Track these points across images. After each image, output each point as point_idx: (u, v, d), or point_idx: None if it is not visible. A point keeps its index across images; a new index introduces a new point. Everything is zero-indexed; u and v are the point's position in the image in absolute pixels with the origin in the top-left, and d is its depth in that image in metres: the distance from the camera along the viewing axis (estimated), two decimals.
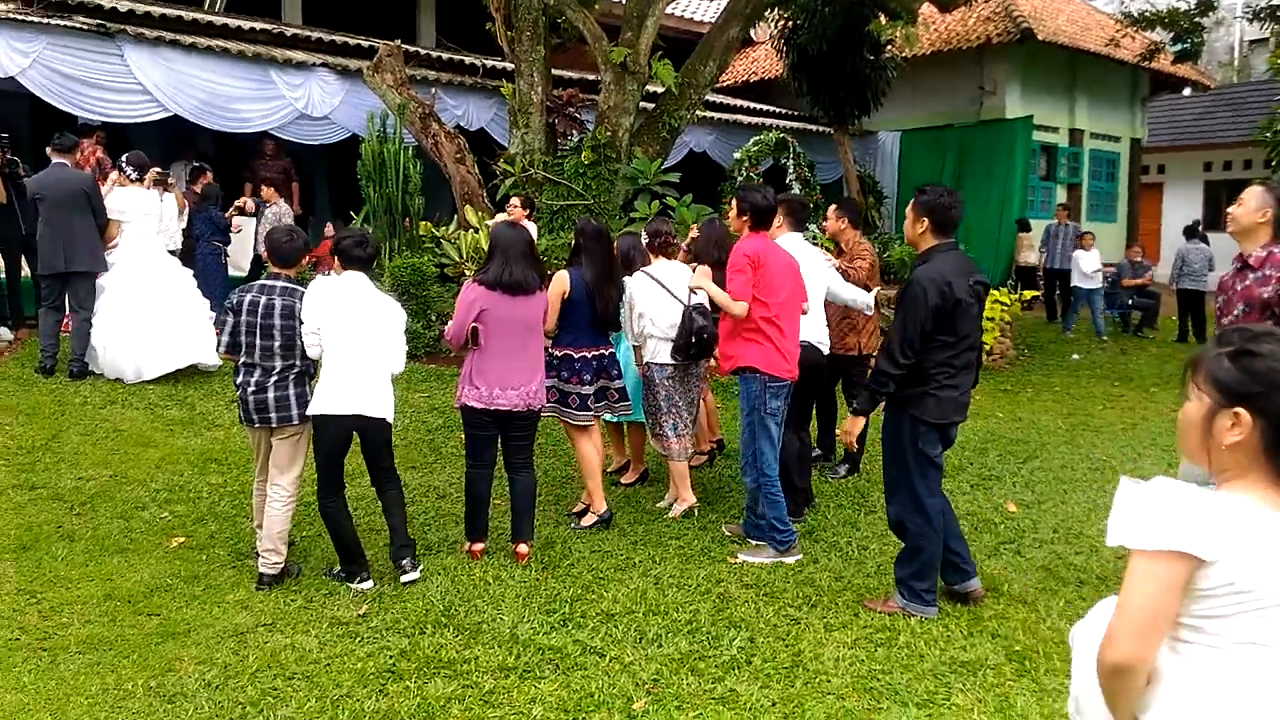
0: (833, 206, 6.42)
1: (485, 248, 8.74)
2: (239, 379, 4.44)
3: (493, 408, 4.64)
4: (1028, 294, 12.71)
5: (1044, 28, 16.25)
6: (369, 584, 4.39)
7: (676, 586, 4.39)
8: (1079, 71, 18.05)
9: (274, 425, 4.40)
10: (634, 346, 5.61)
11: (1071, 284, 13.77)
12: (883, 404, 4.21)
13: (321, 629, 3.97)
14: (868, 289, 5.94)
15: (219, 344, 4.58)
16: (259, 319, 4.36)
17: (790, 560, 4.72)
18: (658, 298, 5.34)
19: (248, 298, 4.41)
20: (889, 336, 4.06)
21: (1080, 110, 18.46)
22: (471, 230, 9.71)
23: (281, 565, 4.44)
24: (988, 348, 10.93)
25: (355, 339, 4.35)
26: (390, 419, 4.47)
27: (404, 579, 4.40)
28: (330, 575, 4.49)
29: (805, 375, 5.21)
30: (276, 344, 4.36)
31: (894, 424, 4.17)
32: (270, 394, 4.36)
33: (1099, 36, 17.59)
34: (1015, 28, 15.85)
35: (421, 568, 4.48)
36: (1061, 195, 18.25)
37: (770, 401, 4.74)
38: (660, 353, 5.36)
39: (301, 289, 4.49)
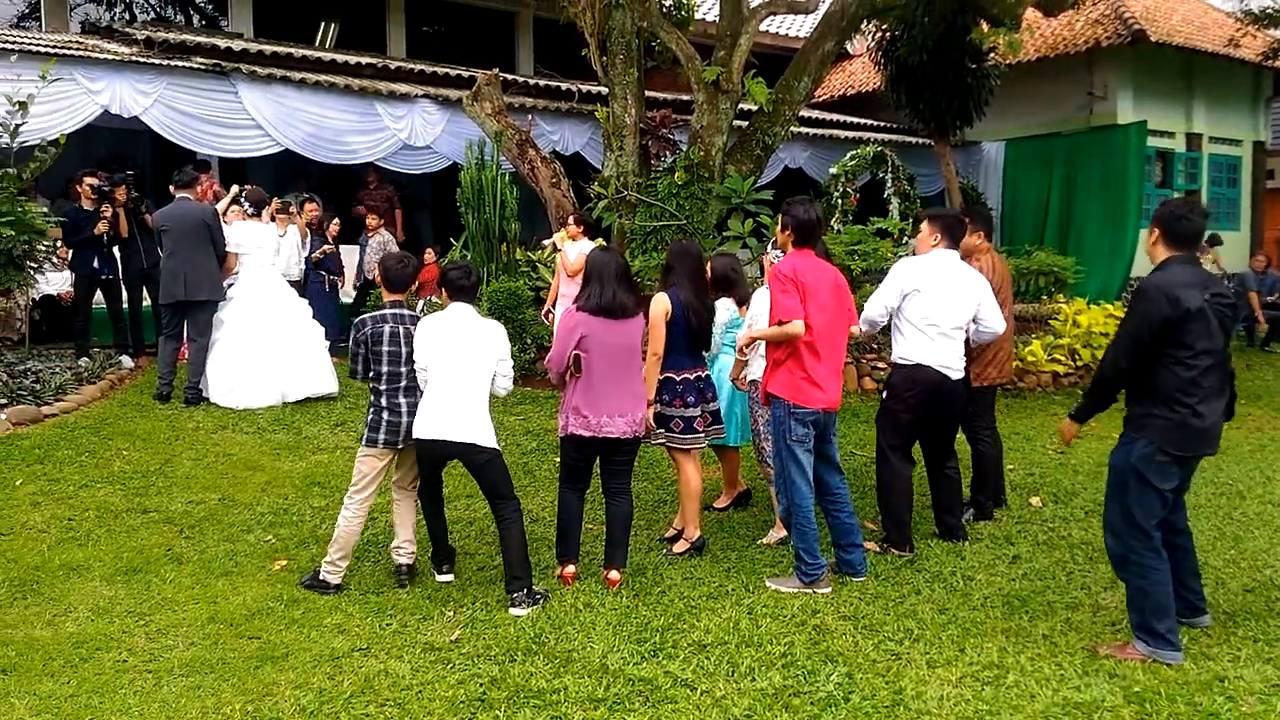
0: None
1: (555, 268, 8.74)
2: (389, 402, 4.67)
3: (601, 436, 4.60)
4: None
5: (1157, 29, 15.55)
6: (450, 576, 4.79)
7: (771, 617, 4.26)
8: (1195, 73, 17.20)
9: None
10: (739, 361, 5.48)
11: None
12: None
13: (415, 654, 3.98)
14: None
15: (353, 371, 4.82)
16: (402, 348, 4.66)
17: (820, 592, 4.55)
18: None
19: (386, 329, 4.69)
20: (1108, 345, 3.98)
21: (1198, 114, 17.58)
22: (553, 249, 9.76)
23: (414, 555, 4.87)
24: None
25: (457, 368, 4.49)
26: (485, 444, 4.50)
27: (511, 610, 4.38)
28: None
29: (925, 400, 5.06)
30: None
31: (1124, 447, 3.99)
32: None
33: (1216, 36, 16.75)
34: (1126, 29, 15.20)
35: (534, 607, 4.38)
36: None
37: (795, 428, 4.60)
38: None
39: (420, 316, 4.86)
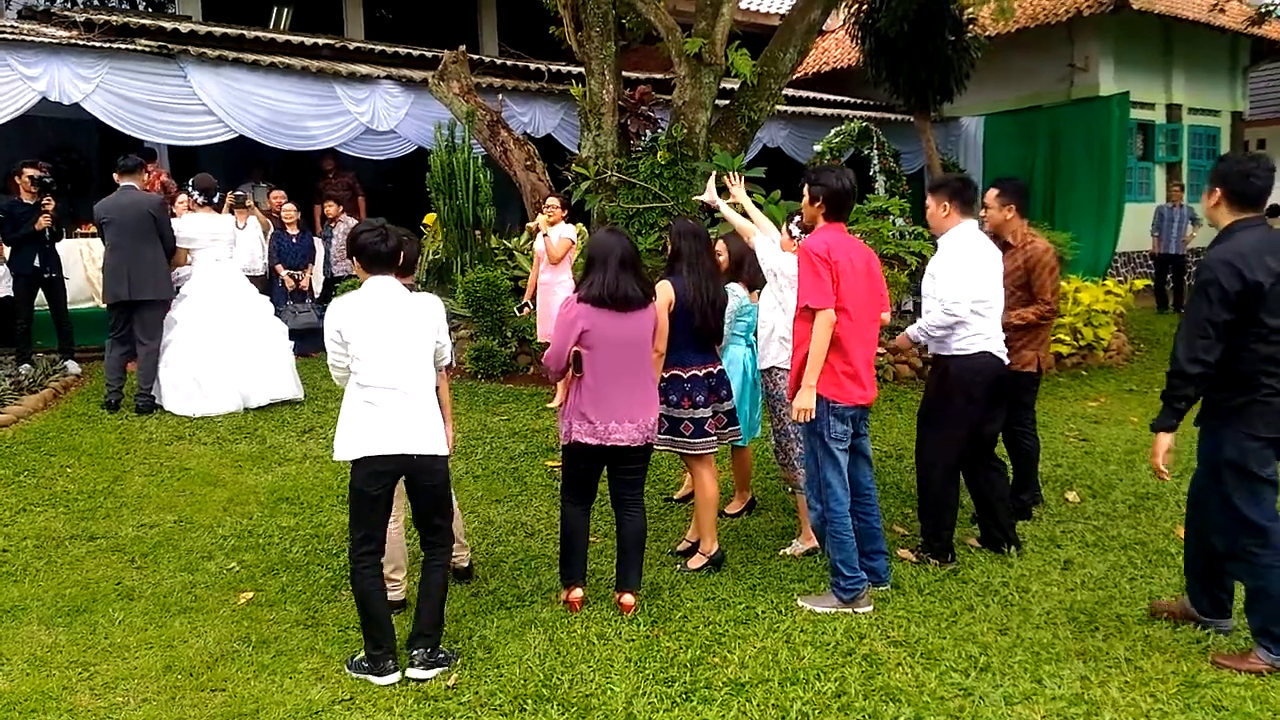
0: (993, 192, 5.20)
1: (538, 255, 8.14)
2: None
3: (608, 444, 4.05)
4: (1139, 283, 11.80)
5: None
6: (394, 677, 3.60)
7: (812, 645, 3.75)
8: (1175, 42, 16.92)
9: None
10: (763, 369, 4.96)
11: None
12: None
13: (406, 705, 3.43)
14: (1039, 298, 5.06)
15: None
16: None
17: (861, 611, 4.06)
18: None
19: None
20: (1177, 334, 3.58)
21: (1177, 84, 17.31)
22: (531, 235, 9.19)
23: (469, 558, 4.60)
24: (1104, 343, 10.08)
25: (392, 359, 3.62)
26: (444, 452, 3.71)
27: (409, 673, 3.61)
28: (351, 666, 3.69)
29: (989, 392, 4.56)
30: None
31: (1212, 440, 3.62)
32: None
33: (1196, 3, 16.46)
34: None
35: (441, 670, 3.63)
36: (1160, 175, 17.17)
37: (834, 425, 4.11)
38: None
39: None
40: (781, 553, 4.82)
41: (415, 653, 3.65)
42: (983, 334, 4.48)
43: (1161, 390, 3.66)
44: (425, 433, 3.64)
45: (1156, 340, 11.41)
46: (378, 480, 3.60)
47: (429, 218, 11.29)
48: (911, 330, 4.63)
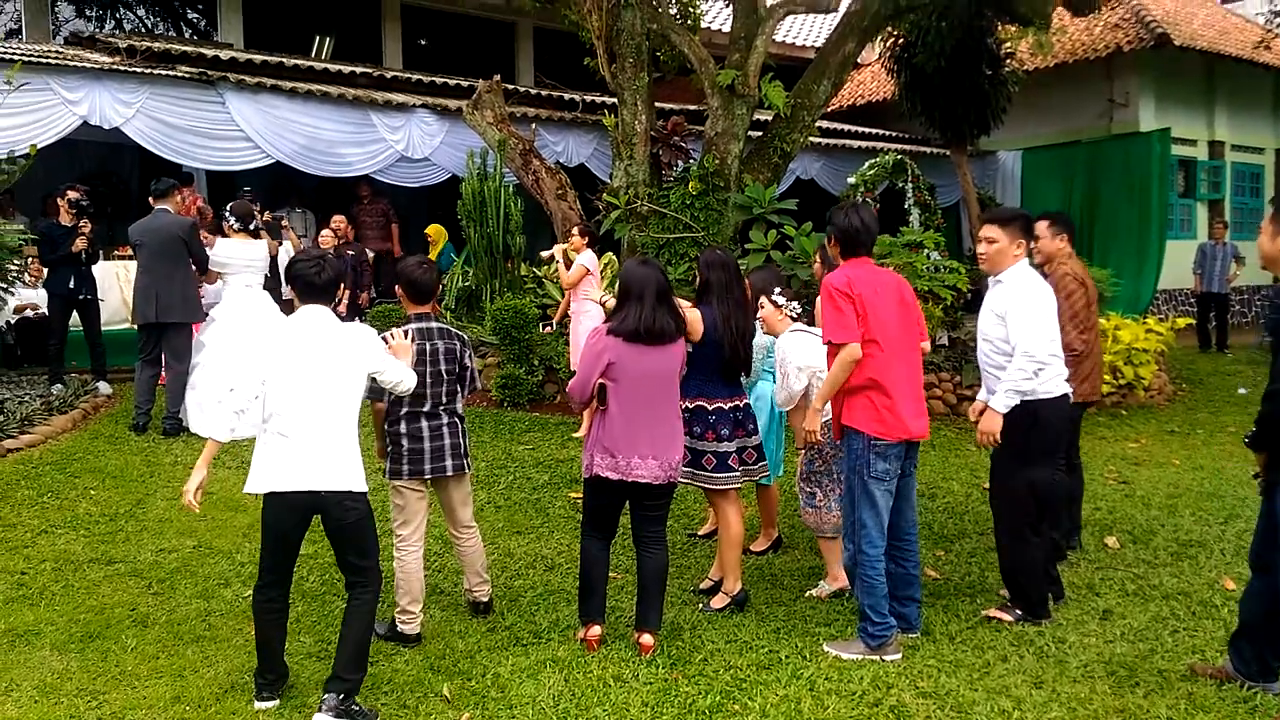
0: (1044, 222, 5.13)
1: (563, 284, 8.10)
2: (408, 427, 4.13)
3: (630, 479, 3.96)
4: (1181, 321, 11.55)
5: (1179, 32, 15.01)
6: (273, 703, 3.58)
7: (837, 694, 3.61)
8: (1217, 79, 16.69)
9: (450, 474, 4.21)
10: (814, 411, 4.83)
11: None
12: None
13: None
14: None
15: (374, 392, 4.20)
16: (428, 366, 4.15)
17: (889, 659, 3.89)
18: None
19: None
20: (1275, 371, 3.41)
21: (1220, 121, 17.05)
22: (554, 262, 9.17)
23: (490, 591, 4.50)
24: (1145, 382, 9.85)
25: (303, 392, 3.50)
26: (360, 489, 3.53)
27: (315, 717, 3.41)
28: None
29: (1067, 434, 4.48)
30: (444, 389, 4.21)
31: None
32: (447, 440, 4.21)
33: (1238, 40, 16.24)
34: (1149, 34, 14.66)
35: None
36: (1202, 212, 16.88)
37: (876, 463, 3.97)
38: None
39: (458, 331, 4.33)
40: (808, 594, 4.68)
41: (327, 695, 3.43)
42: (1061, 374, 4.30)
43: (1250, 433, 3.54)
44: (335, 469, 3.49)
45: (1199, 380, 11.14)
46: (285, 516, 3.52)
47: (432, 228, 11.36)
48: (996, 403, 4.17)
